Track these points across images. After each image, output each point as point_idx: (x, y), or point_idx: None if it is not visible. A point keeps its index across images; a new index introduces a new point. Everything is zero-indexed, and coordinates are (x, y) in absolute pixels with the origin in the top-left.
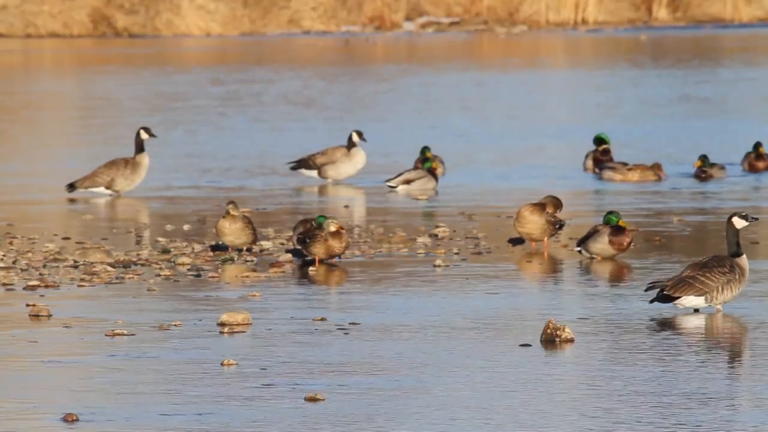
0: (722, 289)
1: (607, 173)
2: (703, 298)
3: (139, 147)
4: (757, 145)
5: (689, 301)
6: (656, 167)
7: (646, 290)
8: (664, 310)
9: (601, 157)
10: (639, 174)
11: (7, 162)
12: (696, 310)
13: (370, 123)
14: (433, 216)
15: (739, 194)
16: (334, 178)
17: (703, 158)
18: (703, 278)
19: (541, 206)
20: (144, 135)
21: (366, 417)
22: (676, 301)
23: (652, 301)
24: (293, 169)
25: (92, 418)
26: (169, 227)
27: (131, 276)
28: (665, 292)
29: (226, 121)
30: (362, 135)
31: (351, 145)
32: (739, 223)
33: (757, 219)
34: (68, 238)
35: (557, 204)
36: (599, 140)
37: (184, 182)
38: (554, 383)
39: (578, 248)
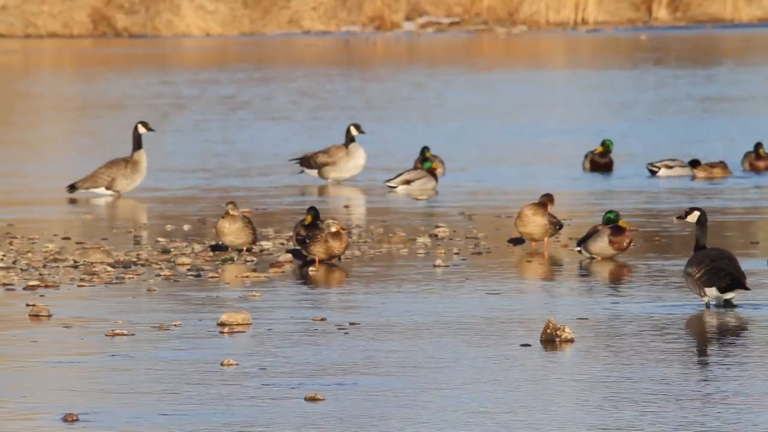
0: None
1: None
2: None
3: (137, 142)
4: (758, 146)
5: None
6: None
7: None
8: (663, 310)
9: (598, 160)
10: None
11: (7, 162)
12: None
13: (369, 123)
14: (433, 216)
15: (739, 194)
16: (335, 178)
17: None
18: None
19: (542, 206)
20: (142, 129)
21: (366, 417)
22: (732, 293)
23: (723, 290)
24: (299, 172)
25: (92, 418)
26: (169, 227)
27: (131, 276)
28: (741, 283)
29: (226, 121)
30: (360, 128)
31: (349, 140)
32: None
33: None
34: (68, 238)
35: (553, 200)
36: (603, 145)
37: (184, 182)
38: (554, 383)
39: (578, 248)
